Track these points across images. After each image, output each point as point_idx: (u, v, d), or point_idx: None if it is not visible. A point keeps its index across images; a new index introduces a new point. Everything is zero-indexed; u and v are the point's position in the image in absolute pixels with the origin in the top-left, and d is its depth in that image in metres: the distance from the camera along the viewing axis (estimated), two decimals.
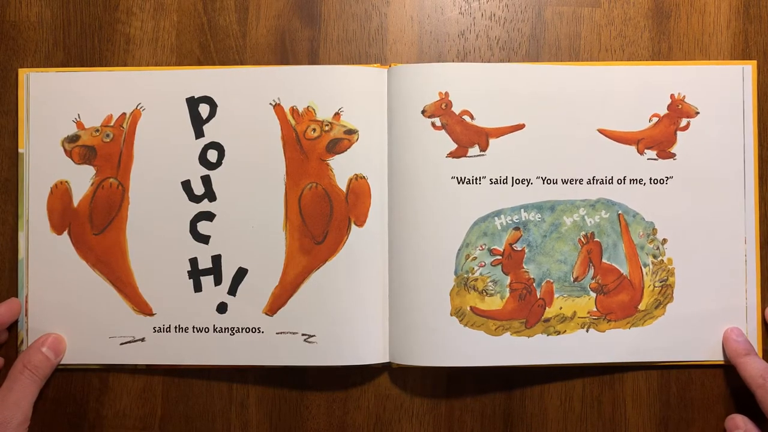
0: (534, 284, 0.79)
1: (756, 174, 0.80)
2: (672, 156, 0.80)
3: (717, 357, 0.80)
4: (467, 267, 0.79)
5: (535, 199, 0.79)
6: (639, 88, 0.80)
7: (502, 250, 0.79)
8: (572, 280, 0.79)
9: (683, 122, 0.80)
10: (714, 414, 0.81)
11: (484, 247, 0.79)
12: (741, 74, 0.81)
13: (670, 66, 0.81)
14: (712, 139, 0.80)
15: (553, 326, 0.79)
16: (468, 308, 0.79)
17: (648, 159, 0.80)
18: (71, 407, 0.82)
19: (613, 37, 0.82)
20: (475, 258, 0.79)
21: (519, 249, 0.79)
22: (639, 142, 0.80)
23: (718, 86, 0.81)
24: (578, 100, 0.80)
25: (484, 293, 0.79)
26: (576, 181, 0.79)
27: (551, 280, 0.79)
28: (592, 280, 0.79)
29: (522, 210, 0.79)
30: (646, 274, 0.80)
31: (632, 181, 0.80)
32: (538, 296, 0.79)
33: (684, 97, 0.80)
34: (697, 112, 0.80)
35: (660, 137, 0.80)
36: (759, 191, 0.80)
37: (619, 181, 0.79)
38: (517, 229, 0.79)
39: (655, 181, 0.80)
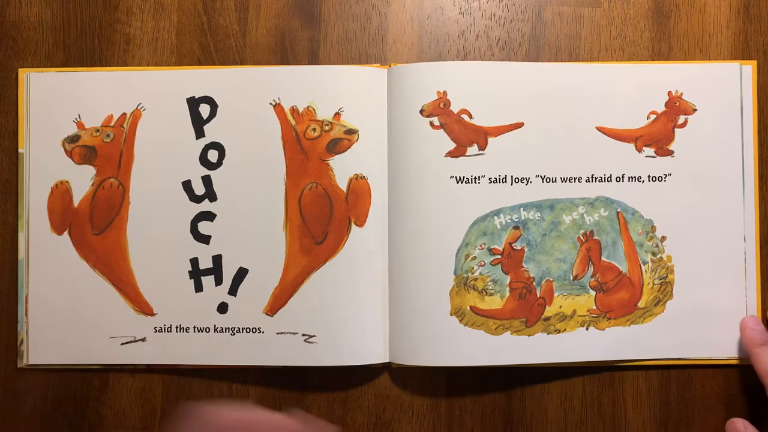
0: (534, 283, 0.79)
1: (756, 174, 0.80)
2: (670, 153, 0.80)
3: (717, 354, 0.80)
4: (467, 266, 0.79)
5: (535, 197, 0.79)
6: (637, 85, 0.80)
7: (501, 249, 0.79)
8: (572, 278, 0.79)
9: (681, 119, 0.80)
10: (714, 414, 0.81)
11: (483, 246, 0.79)
12: (738, 72, 0.81)
13: (667, 64, 0.81)
14: (709, 135, 0.80)
15: (553, 325, 0.79)
16: (468, 308, 0.79)
17: (646, 156, 0.80)
18: (71, 407, 0.82)
19: (613, 37, 0.82)
20: (475, 257, 0.79)
21: (518, 248, 0.79)
22: (637, 139, 0.80)
23: (715, 83, 0.81)
24: (576, 98, 0.80)
25: (484, 293, 0.79)
26: (575, 179, 0.79)
27: (551, 279, 0.79)
28: (592, 278, 0.79)
29: (521, 209, 0.79)
30: (646, 271, 0.80)
31: (631, 178, 0.79)
32: (538, 295, 0.79)
33: (681, 94, 0.80)
34: (695, 109, 0.80)
35: (658, 135, 0.80)
36: (759, 191, 0.80)
37: (618, 179, 0.79)
38: (516, 228, 0.79)
39: (654, 179, 0.80)
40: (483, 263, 0.79)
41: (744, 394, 0.79)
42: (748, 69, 0.81)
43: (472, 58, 0.82)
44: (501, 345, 0.79)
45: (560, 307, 0.79)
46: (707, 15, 0.82)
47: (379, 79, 0.80)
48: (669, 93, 0.80)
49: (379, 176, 0.80)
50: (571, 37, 0.82)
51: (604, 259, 0.79)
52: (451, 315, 0.79)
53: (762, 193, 0.80)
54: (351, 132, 0.79)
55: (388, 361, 0.80)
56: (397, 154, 0.79)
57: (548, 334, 0.79)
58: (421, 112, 0.79)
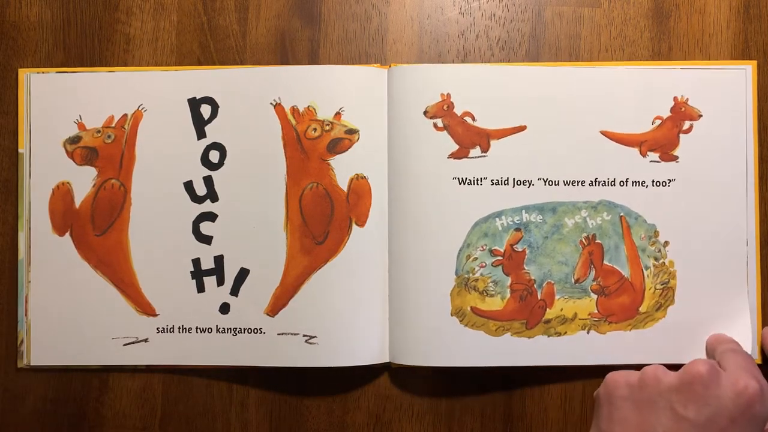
0: (535, 285, 0.79)
1: (756, 174, 0.80)
2: (674, 159, 0.80)
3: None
4: (468, 267, 0.79)
5: (537, 200, 0.79)
6: (642, 90, 0.80)
7: (502, 250, 0.79)
8: (573, 281, 0.79)
9: (686, 125, 0.80)
10: None
11: (485, 247, 0.79)
12: (744, 76, 0.80)
13: (673, 68, 0.81)
14: (714, 141, 0.80)
15: (553, 327, 0.79)
16: (468, 308, 0.79)
17: (650, 161, 0.80)
18: (71, 407, 0.82)
19: (613, 37, 0.82)
20: (476, 258, 0.79)
21: (520, 250, 0.79)
22: (642, 144, 0.80)
23: (721, 88, 0.80)
24: (581, 101, 0.80)
25: (485, 294, 0.79)
26: (578, 182, 0.79)
27: (552, 282, 0.79)
28: (594, 281, 0.79)
29: (523, 211, 0.79)
30: (648, 276, 0.80)
31: (634, 183, 0.79)
32: (539, 297, 0.79)
33: (687, 99, 0.80)
34: (700, 115, 0.80)
35: (663, 140, 0.80)
36: (759, 191, 0.80)
37: (622, 183, 0.79)
38: (518, 230, 0.79)
39: (658, 184, 0.80)
40: (484, 264, 0.79)
41: None
42: (749, 69, 0.80)
43: (472, 58, 0.82)
44: (501, 346, 0.79)
45: (561, 309, 0.79)
46: (707, 15, 0.82)
47: (379, 79, 0.80)
48: (675, 99, 0.80)
49: (379, 176, 0.80)
50: (571, 37, 0.82)
51: (606, 263, 0.79)
52: (451, 315, 0.79)
53: (762, 193, 0.80)
54: (351, 132, 0.79)
55: (388, 361, 0.80)
56: (398, 155, 0.79)
57: (549, 336, 0.79)
58: (425, 113, 0.79)
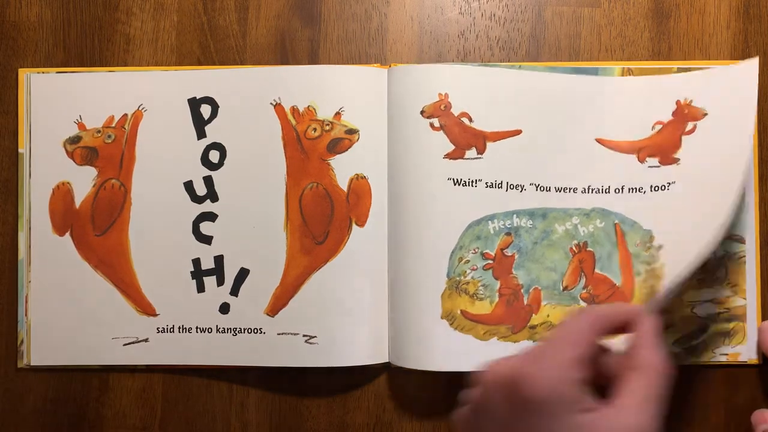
0: (522, 290, 0.79)
1: (756, 174, 0.80)
2: (675, 161, 0.79)
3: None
4: (460, 270, 0.79)
5: (528, 205, 0.79)
6: (642, 96, 0.79)
7: (493, 254, 0.79)
8: (562, 288, 0.79)
9: (689, 126, 0.79)
10: (714, 414, 0.81)
11: (476, 250, 0.79)
12: (755, 71, 0.79)
13: (675, 75, 0.80)
14: (718, 140, 0.78)
15: (539, 333, 0.79)
16: (458, 312, 0.79)
17: (649, 167, 0.79)
18: (71, 407, 0.82)
19: (613, 37, 0.82)
20: (468, 261, 0.79)
21: (509, 254, 0.79)
22: (640, 151, 0.79)
23: (727, 87, 0.79)
24: (579, 107, 0.79)
25: (475, 297, 0.79)
26: (570, 189, 0.79)
27: (539, 287, 0.79)
28: (584, 290, 0.79)
29: (514, 215, 0.79)
30: (638, 282, 0.79)
31: (631, 189, 0.79)
32: (525, 302, 0.79)
33: (691, 101, 0.79)
34: (705, 114, 0.79)
35: (664, 144, 0.79)
36: (759, 191, 0.80)
37: (617, 191, 0.79)
38: (508, 234, 0.79)
39: (656, 188, 0.79)
40: (475, 267, 0.79)
41: (742, 394, 0.79)
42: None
43: (472, 58, 0.82)
44: (488, 350, 0.78)
45: (548, 315, 0.79)
46: (707, 15, 0.82)
47: (379, 79, 0.80)
48: (677, 102, 0.79)
49: (379, 176, 0.80)
50: (571, 37, 0.82)
51: (597, 271, 0.79)
52: (441, 318, 0.79)
53: (762, 193, 0.80)
54: (351, 132, 0.79)
55: (387, 361, 0.80)
56: (396, 154, 0.79)
57: (534, 342, 0.79)
58: (422, 112, 0.79)
